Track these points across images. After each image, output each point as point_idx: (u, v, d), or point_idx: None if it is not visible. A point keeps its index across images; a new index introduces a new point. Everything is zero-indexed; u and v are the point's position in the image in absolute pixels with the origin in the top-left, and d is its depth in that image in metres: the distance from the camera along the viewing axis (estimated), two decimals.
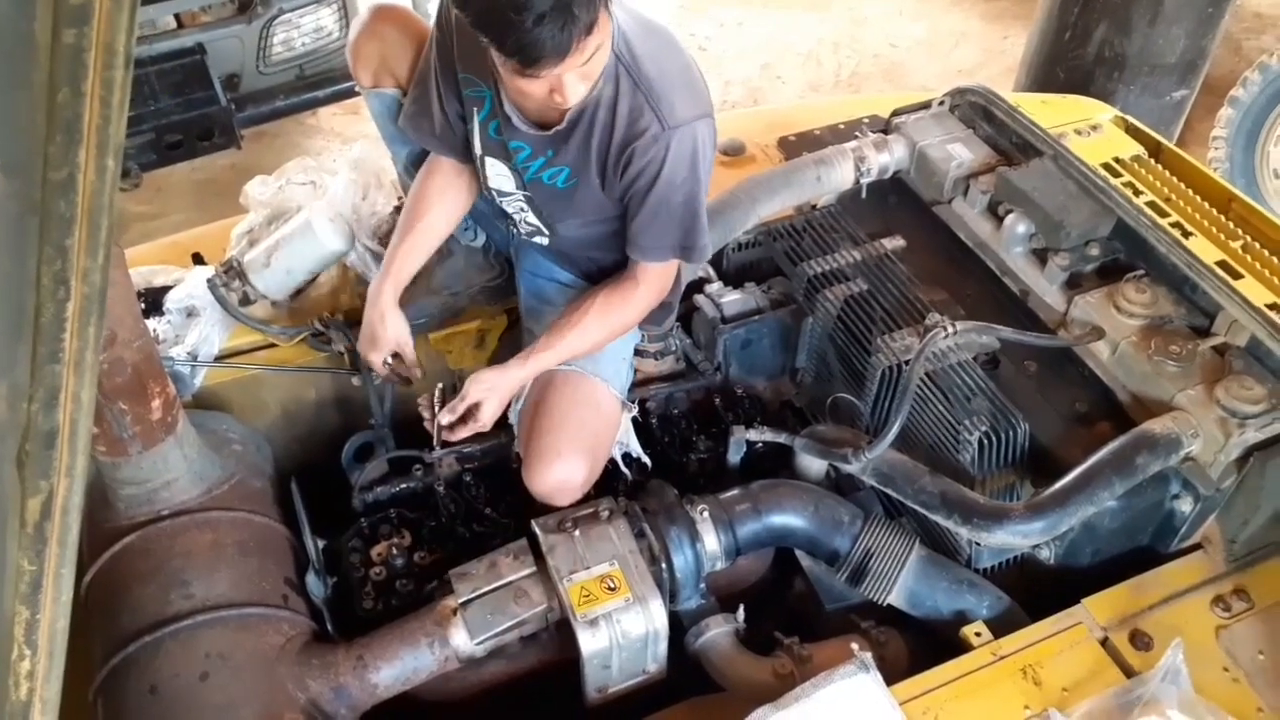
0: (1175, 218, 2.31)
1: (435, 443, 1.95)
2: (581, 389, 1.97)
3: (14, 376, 0.65)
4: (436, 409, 1.90)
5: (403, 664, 1.72)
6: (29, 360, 0.64)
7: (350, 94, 4.15)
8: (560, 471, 1.91)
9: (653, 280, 1.88)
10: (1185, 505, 1.80)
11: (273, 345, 2.14)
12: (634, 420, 2.11)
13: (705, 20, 5.36)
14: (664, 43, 1.77)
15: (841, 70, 5.08)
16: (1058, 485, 1.73)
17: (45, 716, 0.81)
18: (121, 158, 0.60)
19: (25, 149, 0.57)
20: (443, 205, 1.97)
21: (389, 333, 1.94)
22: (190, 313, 2.04)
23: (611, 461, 2.07)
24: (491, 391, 1.85)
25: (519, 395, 2.01)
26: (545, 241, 2.00)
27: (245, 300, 2.09)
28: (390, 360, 1.99)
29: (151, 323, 2.02)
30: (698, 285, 2.28)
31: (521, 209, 1.94)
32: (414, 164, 2.04)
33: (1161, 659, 1.55)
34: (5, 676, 0.76)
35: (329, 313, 2.14)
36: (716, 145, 1.83)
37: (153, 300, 2.07)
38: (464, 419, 1.87)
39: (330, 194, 2.12)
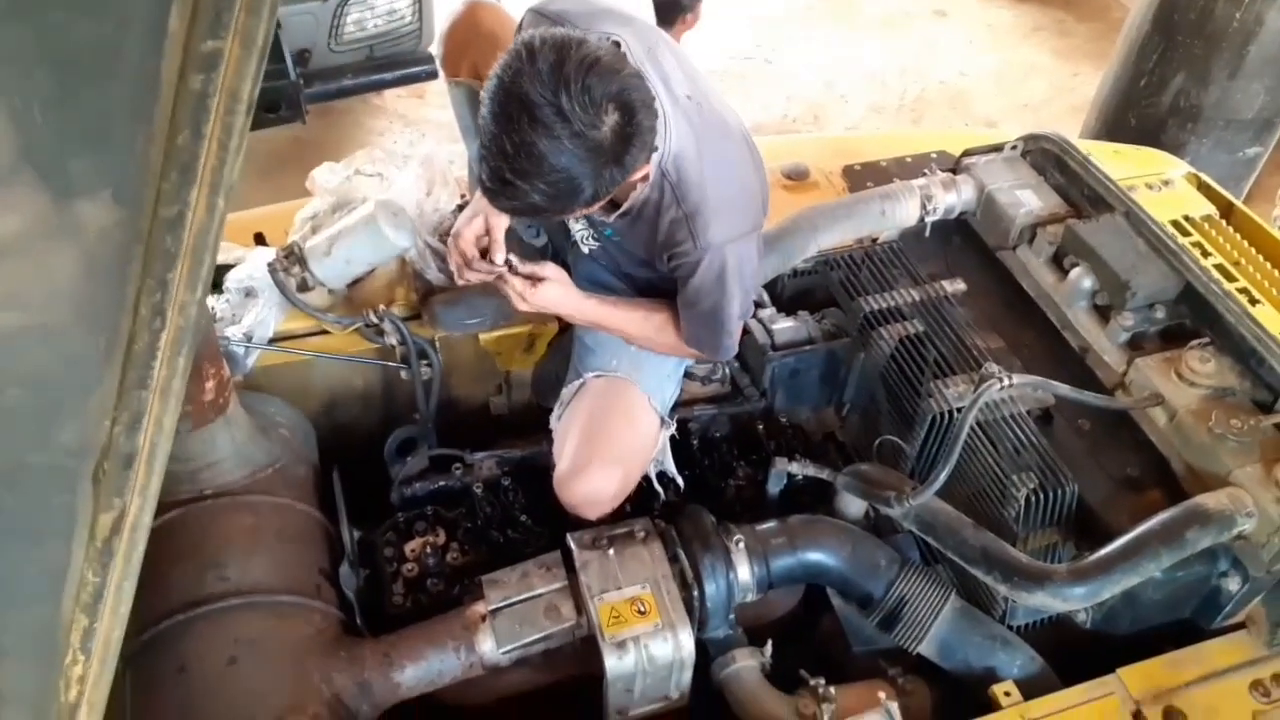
0: (1243, 283, 2.28)
1: (465, 265, 1.79)
2: (623, 399, 1.96)
3: (100, 395, 0.66)
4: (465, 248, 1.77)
5: (428, 665, 1.72)
6: (117, 382, 0.64)
7: (416, 79, 4.18)
8: (591, 482, 1.90)
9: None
10: (1232, 584, 1.76)
11: (325, 332, 2.15)
12: (672, 439, 2.10)
13: (774, 33, 5.32)
14: (723, 156, 1.75)
15: (906, 94, 5.03)
16: (1103, 552, 1.69)
17: (91, 718, 0.82)
18: (232, 195, 0.60)
19: (138, 181, 0.57)
20: None
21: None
22: (249, 293, 2.06)
23: (646, 479, 2.07)
24: (563, 283, 1.82)
25: (563, 402, 2.01)
26: (605, 262, 2.00)
27: (303, 286, 2.10)
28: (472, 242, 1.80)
29: (210, 300, 2.03)
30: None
31: (584, 228, 1.94)
32: None
33: None
34: (57, 678, 0.77)
35: (384, 305, 2.14)
36: (760, 257, 1.87)
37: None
38: (527, 277, 1.79)
39: (396, 188, 2.13)
